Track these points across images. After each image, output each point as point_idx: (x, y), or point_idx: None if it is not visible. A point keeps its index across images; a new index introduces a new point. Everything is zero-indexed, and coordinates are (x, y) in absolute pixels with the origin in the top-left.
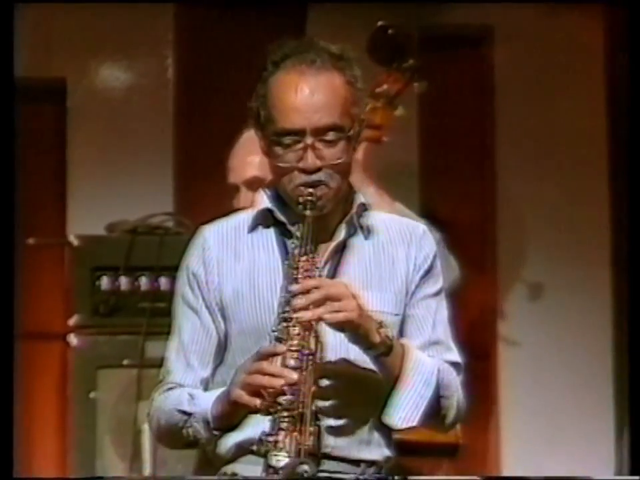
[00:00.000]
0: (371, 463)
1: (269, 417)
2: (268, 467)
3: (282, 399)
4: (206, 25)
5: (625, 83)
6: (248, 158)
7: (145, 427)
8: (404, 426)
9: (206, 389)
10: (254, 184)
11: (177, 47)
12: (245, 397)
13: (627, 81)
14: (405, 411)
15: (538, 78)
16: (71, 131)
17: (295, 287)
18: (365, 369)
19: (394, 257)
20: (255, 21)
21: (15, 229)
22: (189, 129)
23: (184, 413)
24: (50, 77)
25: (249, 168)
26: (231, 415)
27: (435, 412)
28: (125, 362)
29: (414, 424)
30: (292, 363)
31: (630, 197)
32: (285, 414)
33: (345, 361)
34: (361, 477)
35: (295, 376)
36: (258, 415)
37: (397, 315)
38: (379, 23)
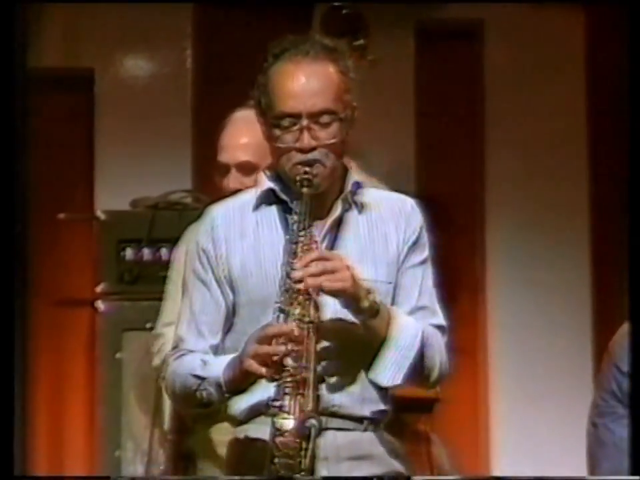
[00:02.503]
0: (372, 419)
1: (275, 383)
2: (275, 430)
3: (287, 365)
4: (221, 21)
5: (603, 73)
6: (240, 140)
7: None
8: (389, 384)
9: (215, 354)
10: (245, 168)
11: (195, 40)
12: (254, 366)
13: (605, 71)
14: (391, 370)
15: (524, 67)
16: (98, 116)
17: (297, 261)
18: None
19: (386, 231)
20: (265, 17)
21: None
22: (205, 114)
23: (197, 377)
24: (79, 67)
25: (241, 152)
26: (241, 381)
27: (419, 371)
28: (148, 325)
29: (398, 382)
30: (294, 331)
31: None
32: (289, 379)
33: (344, 323)
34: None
35: (296, 333)
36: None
37: (389, 283)
38: (334, 4)
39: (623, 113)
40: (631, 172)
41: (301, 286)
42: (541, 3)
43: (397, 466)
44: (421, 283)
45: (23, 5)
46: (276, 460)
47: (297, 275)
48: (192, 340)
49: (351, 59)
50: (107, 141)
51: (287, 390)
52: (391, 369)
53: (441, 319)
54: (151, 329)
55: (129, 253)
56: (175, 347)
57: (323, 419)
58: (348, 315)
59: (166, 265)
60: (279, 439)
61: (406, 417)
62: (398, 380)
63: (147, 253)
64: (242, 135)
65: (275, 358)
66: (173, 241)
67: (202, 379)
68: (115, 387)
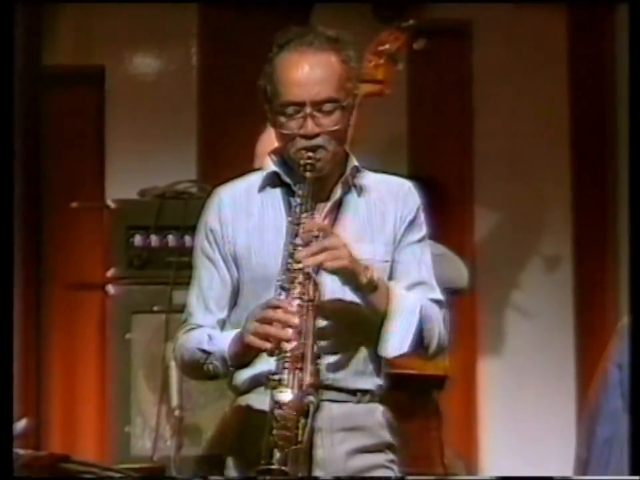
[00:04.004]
0: (365, 392)
1: (274, 358)
2: (274, 402)
3: (286, 346)
4: (225, 20)
5: (584, 70)
6: (270, 147)
7: (173, 364)
8: (396, 354)
9: (222, 328)
10: None
11: (200, 38)
12: (257, 342)
13: (586, 68)
14: (396, 341)
15: (509, 64)
16: (108, 111)
17: (298, 241)
18: (357, 304)
19: (384, 212)
20: (265, 17)
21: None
22: (210, 109)
23: (204, 351)
24: (91, 64)
25: None
26: (244, 355)
27: (419, 342)
28: (155, 308)
29: (404, 351)
30: (294, 308)
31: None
32: (288, 354)
33: (341, 301)
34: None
35: (296, 320)
36: None
37: (386, 261)
38: None
39: (603, 107)
40: (631, 169)
41: (302, 265)
42: (525, 3)
43: (388, 438)
44: (419, 260)
45: (38, 6)
46: (274, 431)
47: (300, 254)
48: (200, 314)
49: (398, 43)
50: (117, 134)
51: (286, 364)
52: (395, 340)
53: (438, 294)
54: (158, 311)
55: (137, 240)
56: (184, 322)
57: (318, 395)
58: (345, 294)
59: (173, 251)
60: (277, 411)
61: (417, 393)
62: (404, 349)
63: (154, 239)
64: (272, 143)
65: (276, 338)
66: (179, 228)
67: (208, 353)
68: (125, 366)
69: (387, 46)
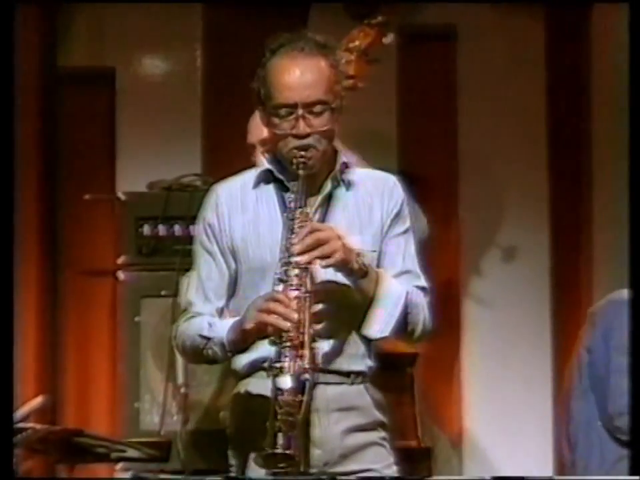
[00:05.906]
0: (358, 373)
1: (275, 347)
2: (276, 389)
3: (285, 335)
4: (227, 23)
5: (560, 70)
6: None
7: None
8: (378, 336)
9: (220, 316)
10: (268, 143)
11: (204, 41)
12: (255, 329)
13: (562, 68)
14: (380, 324)
15: (492, 65)
16: (119, 109)
17: (294, 237)
18: (349, 287)
19: (371, 205)
20: (265, 19)
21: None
22: (214, 107)
23: (204, 337)
24: (102, 66)
25: (264, 129)
26: (242, 341)
27: (404, 327)
28: (163, 292)
29: (386, 334)
30: (294, 301)
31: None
32: (288, 343)
33: (334, 286)
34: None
35: (295, 316)
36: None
37: (374, 251)
38: None
39: (579, 106)
40: (630, 164)
41: (299, 259)
42: (506, 9)
43: (380, 417)
44: (404, 250)
45: (54, 12)
46: (278, 416)
47: (297, 248)
48: (200, 303)
49: (368, 39)
50: (127, 130)
51: (287, 353)
52: (380, 323)
53: (423, 282)
54: (166, 296)
55: (146, 229)
56: (185, 310)
57: (315, 374)
58: (337, 280)
59: (179, 240)
60: (280, 397)
61: (392, 370)
62: (386, 332)
63: (162, 229)
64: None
65: (276, 328)
66: (185, 218)
67: (208, 339)
68: (134, 347)
69: (357, 42)
